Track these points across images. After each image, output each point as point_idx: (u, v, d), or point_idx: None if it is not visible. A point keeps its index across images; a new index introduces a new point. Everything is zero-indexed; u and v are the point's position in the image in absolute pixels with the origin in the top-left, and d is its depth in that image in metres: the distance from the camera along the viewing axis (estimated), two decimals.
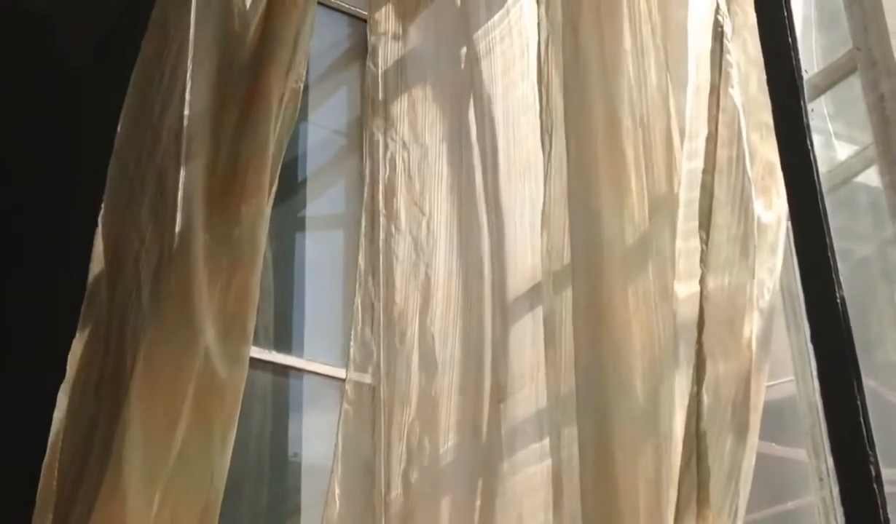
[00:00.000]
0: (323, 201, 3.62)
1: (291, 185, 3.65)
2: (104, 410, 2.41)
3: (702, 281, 2.07)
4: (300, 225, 3.62)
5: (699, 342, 2.04)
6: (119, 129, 2.75)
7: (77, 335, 2.52)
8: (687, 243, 2.22)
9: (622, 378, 2.20)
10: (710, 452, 1.98)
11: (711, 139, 2.15)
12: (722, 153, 2.14)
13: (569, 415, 2.37)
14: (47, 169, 3.01)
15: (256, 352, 3.19)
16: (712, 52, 2.20)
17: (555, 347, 2.44)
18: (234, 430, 2.46)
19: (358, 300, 2.89)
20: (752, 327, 2.10)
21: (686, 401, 2.06)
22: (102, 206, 2.68)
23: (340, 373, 3.02)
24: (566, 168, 2.46)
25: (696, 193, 2.19)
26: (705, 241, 2.08)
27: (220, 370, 2.44)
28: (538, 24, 2.74)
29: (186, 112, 2.72)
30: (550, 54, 2.66)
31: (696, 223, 2.16)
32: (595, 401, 2.20)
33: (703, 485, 1.96)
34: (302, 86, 2.87)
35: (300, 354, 3.26)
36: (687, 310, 2.15)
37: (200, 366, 2.42)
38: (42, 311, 3.34)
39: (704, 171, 2.14)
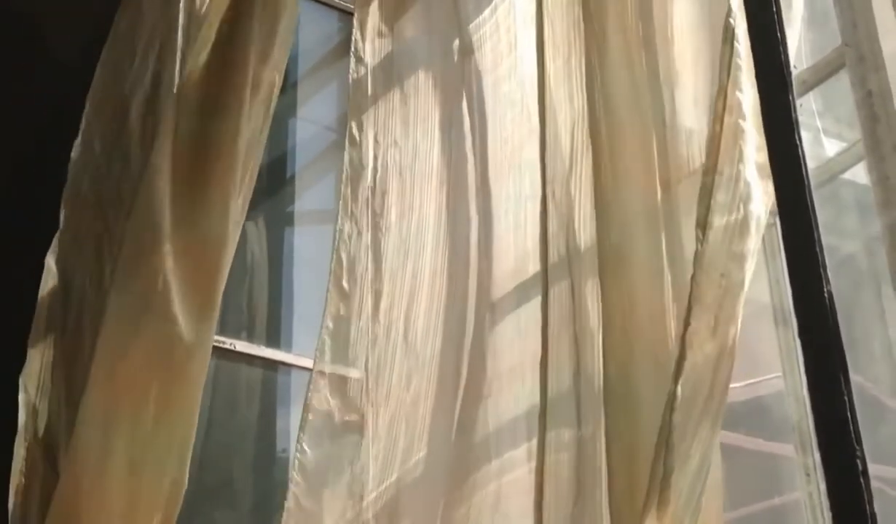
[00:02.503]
0: (312, 196, 3.61)
1: (281, 181, 3.65)
2: (62, 394, 2.40)
3: (693, 279, 2.06)
4: (289, 220, 3.61)
5: (683, 338, 2.03)
6: (87, 107, 2.71)
7: (35, 318, 2.50)
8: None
9: (648, 370, 2.20)
10: (679, 445, 1.98)
11: (715, 139, 2.14)
12: (724, 154, 2.13)
13: (560, 418, 2.37)
14: (36, 167, 2.99)
15: (245, 347, 3.19)
16: (722, 54, 2.19)
17: (549, 342, 2.44)
18: (196, 413, 2.44)
19: (329, 294, 2.85)
20: (736, 329, 2.10)
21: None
22: (66, 185, 2.64)
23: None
24: (591, 160, 2.45)
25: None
26: (701, 240, 2.08)
27: (182, 354, 2.41)
28: (539, 23, 2.73)
29: (155, 94, 2.68)
30: (554, 51, 2.66)
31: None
32: (626, 391, 2.20)
33: (667, 474, 1.96)
34: (281, 77, 2.84)
35: (289, 349, 3.26)
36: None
37: (163, 350, 2.39)
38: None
39: (705, 172, 2.13)
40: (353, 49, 3.12)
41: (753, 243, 2.16)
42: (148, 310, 2.42)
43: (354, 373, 2.78)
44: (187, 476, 2.39)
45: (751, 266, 2.15)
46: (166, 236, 2.49)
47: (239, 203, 2.64)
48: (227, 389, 3.24)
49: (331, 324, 2.75)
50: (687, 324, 2.04)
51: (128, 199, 2.58)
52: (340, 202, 2.91)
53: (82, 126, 2.70)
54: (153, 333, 2.40)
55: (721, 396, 2.08)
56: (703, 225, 2.08)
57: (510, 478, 2.66)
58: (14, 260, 2.67)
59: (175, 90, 2.67)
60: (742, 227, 2.12)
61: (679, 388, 2.00)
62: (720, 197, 2.10)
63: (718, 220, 2.09)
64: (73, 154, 2.67)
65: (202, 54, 2.74)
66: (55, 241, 2.59)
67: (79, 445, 2.28)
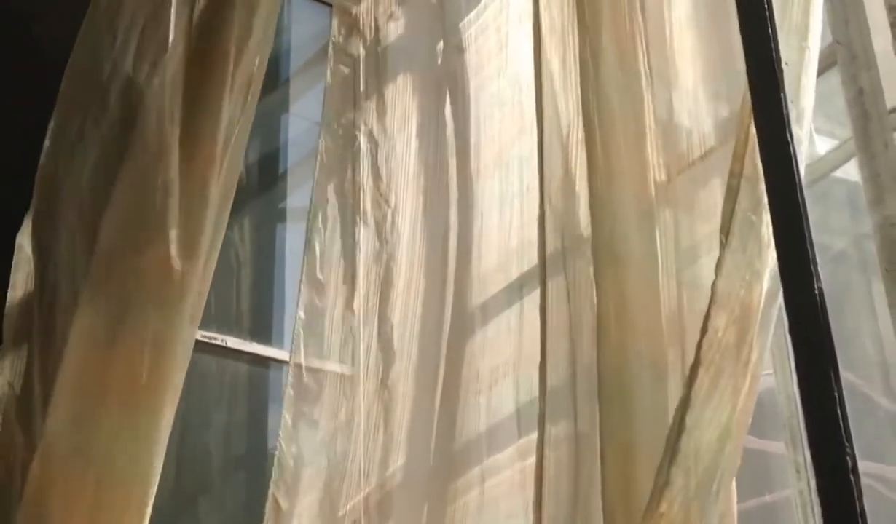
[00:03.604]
0: (304, 193, 3.61)
1: (272, 177, 3.65)
2: (37, 377, 2.35)
3: (713, 286, 2.03)
4: (280, 216, 3.61)
5: (699, 344, 2.01)
6: (63, 87, 2.64)
7: (8, 299, 2.47)
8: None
9: (642, 369, 2.18)
10: (684, 454, 1.96)
11: (740, 146, 2.09)
12: (749, 159, 2.10)
13: (556, 412, 2.36)
14: (25, 164, 2.99)
15: (236, 344, 3.18)
16: None
17: (548, 339, 2.43)
18: (166, 415, 2.36)
19: (302, 286, 2.83)
20: (754, 342, 2.05)
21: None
22: (39, 166, 2.58)
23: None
24: (585, 157, 2.43)
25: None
26: (724, 246, 2.05)
27: (150, 350, 2.36)
28: (536, 19, 2.72)
29: (136, 78, 2.62)
30: (552, 47, 2.65)
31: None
32: (620, 390, 2.18)
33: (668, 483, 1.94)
34: (263, 72, 2.80)
35: (280, 346, 3.25)
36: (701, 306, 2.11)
37: (131, 345, 2.34)
38: None
39: (731, 176, 2.08)
40: (332, 42, 3.12)
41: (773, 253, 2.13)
42: (119, 310, 2.37)
43: (330, 366, 2.78)
44: (159, 473, 2.34)
45: (772, 276, 2.12)
46: (136, 231, 2.44)
47: (209, 196, 2.56)
48: (217, 386, 3.23)
49: (304, 316, 2.74)
50: (704, 331, 2.00)
51: (102, 183, 2.51)
52: (314, 192, 2.90)
53: (57, 107, 2.62)
54: (128, 329, 2.35)
55: (736, 403, 2.04)
56: (726, 230, 2.04)
57: (500, 477, 2.65)
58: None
59: (159, 75, 2.61)
60: (765, 234, 2.08)
61: (692, 394, 1.97)
62: (745, 202, 2.06)
63: (741, 227, 2.05)
64: (48, 135, 2.60)
65: (185, 43, 2.69)
66: (25, 222, 2.53)
67: (50, 436, 2.24)
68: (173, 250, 2.44)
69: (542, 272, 2.49)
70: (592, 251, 2.33)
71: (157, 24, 2.69)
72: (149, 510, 2.30)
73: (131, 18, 2.71)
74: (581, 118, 2.48)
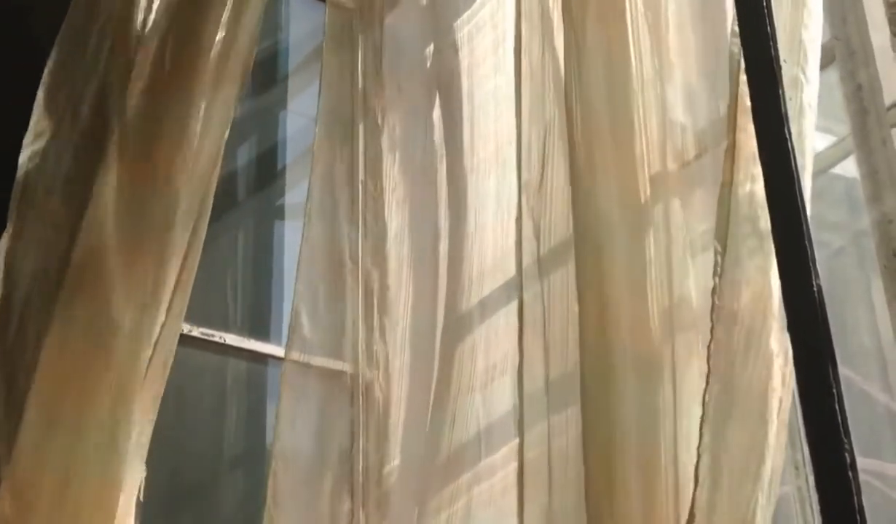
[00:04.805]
0: (302, 189, 3.61)
1: (271, 174, 3.65)
2: (2, 397, 2.31)
3: (714, 292, 2.02)
4: (279, 213, 3.61)
5: (708, 349, 1.99)
6: (38, 96, 2.61)
7: None
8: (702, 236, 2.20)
9: (626, 368, 2.17)
10: (707, 469, 1.94)
11: (729, 150, 2.07)
12: (739, 165, 2.09)
13: (540, 412, 2.35)
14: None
15: (235, 340, 3.19)
16: (730, 62, 2.14)
17: (533, 337, 2.41)
18: (152, 418, 2.35)
19: (297, 282, 2.83)
20: (771, 341, 2.01)
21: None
22: (16, 180, 2.54)
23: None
24: (567, 157, 2.41)
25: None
26: (721, 253, 2.03)
27: (127, 358, 2.33)
28: (517, 8, 2.70)
29: (108, 85, 2.59)
30: (533, 38, 2.64)
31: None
32: (604, 390, 2.16)
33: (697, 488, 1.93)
34: (249, 70, 2.76)
35: (279, 342, 3.25)
36: (702, 311, 2.10)
37: (108, 355, 2.32)
38: None
39: (722, 185, 2.05)
40: (325, 40, 3.12)
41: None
42: (96, 322, 2.34)
43: (324, 363, 2.78)
44: (142, 482, 2.31)
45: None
46: (113, 235, 2.41)
47: (182, 199, 2.51)
48: (216, 383, 3.24)
49: (297, 311, 2.75)
50: (712, 336, 1.98)
51: (77, 195, 2.48)
52: (309, 189, 2.91)
53: (33, 117, 2.59)
54: (102, 341, 2.32)
55: (766, 405, 2.01)
56: (722, 236, 2.03)
57: (496, 476, 2.64)
58: None
59: (127, 79, 2.57)
60: (766, 232, 2.07)
61: (705, 402, 1.95)
62: (738, 207, 2.04)
63: (739, 229, 2.03)
64: (24, 146, 2.57)
65: (156, 39, 2.64)
66: (3, 238, 2.48)
67: (20, 454, 2.20)
68: (144, 252, 2.41)
69: (518, 278, 2.48)
70: (575, 250, 2.31)
71: (129, 26, 2.65)
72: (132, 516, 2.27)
73: (105, 21, 2.67)
74: (564, 121, 2.45)
